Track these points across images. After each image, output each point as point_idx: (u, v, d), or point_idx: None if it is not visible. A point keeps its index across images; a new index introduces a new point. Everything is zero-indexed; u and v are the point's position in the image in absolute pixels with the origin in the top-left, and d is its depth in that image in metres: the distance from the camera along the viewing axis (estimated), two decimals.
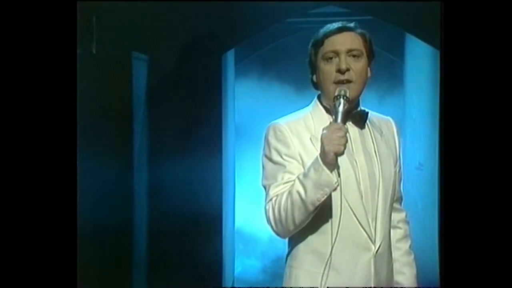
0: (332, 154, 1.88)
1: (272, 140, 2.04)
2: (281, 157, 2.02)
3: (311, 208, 1.93)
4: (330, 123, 1.94)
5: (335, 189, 1.92)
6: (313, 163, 1.93)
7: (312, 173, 1.91)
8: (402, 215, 2.24)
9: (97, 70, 3.47)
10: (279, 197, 1.98)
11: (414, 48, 4.86)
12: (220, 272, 4.36)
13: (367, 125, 2.10)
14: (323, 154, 1.89)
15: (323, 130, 1.91)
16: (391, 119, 2.22)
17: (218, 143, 4.32)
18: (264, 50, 5.81)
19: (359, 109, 2.09)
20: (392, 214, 2.14)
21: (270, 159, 2.05)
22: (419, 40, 4.31)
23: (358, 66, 2.02)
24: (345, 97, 1.96)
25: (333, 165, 1.90)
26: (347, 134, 1.92)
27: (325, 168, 1.89)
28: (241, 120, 5.37)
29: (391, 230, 2.14)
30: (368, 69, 2.07)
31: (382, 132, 2.14)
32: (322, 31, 2.06)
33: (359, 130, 2.08)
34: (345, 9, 4.38)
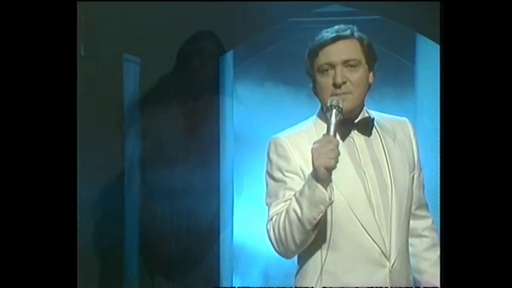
0: (322, 169, 1.80)
1: (273, 156, 1.99)
2: (282, 173, 1.96)
3: (308, 226, 1.85)
4: (323, 135, 1.86)
5: (328, 206, 1.85)
6: (307, 180, 1.86)
7: (306, 190, 1.84)
8: (428, 222, 2.16)
9: (86, 73, 3.29)
10: (278, 216, 1.92)
11: (426, 50, 4.75)
12: None
13: (376, 131, 2.01)
14: (313, 169, 1.82)
15: (313, 143, 1.84)
16: (407, 120, 2.12)
17: (216, 151, 4.18)
18: (264, 51, 5.72)
19: (364, 116, 2.00)
20: (417, 222, 2.09)
21: (272, 177, 1.99)
22: (431, 42, 4.15)
23: (355, 76, 1.93)
24: (337, 108, 1.87)
25: (325, 181, 1.82)
26: (355, 145, 1.91)
27: (318, 184, 1.81)
28: (240, 126, 5.28)
29: (417, 240, 2.09)
30: (370, 74, 1.98)
31: (395, 137, 2.03)
32: (316, 40, 1.98)
33: (366, 138, 1.99)
34: (350, 8, 4.24)
